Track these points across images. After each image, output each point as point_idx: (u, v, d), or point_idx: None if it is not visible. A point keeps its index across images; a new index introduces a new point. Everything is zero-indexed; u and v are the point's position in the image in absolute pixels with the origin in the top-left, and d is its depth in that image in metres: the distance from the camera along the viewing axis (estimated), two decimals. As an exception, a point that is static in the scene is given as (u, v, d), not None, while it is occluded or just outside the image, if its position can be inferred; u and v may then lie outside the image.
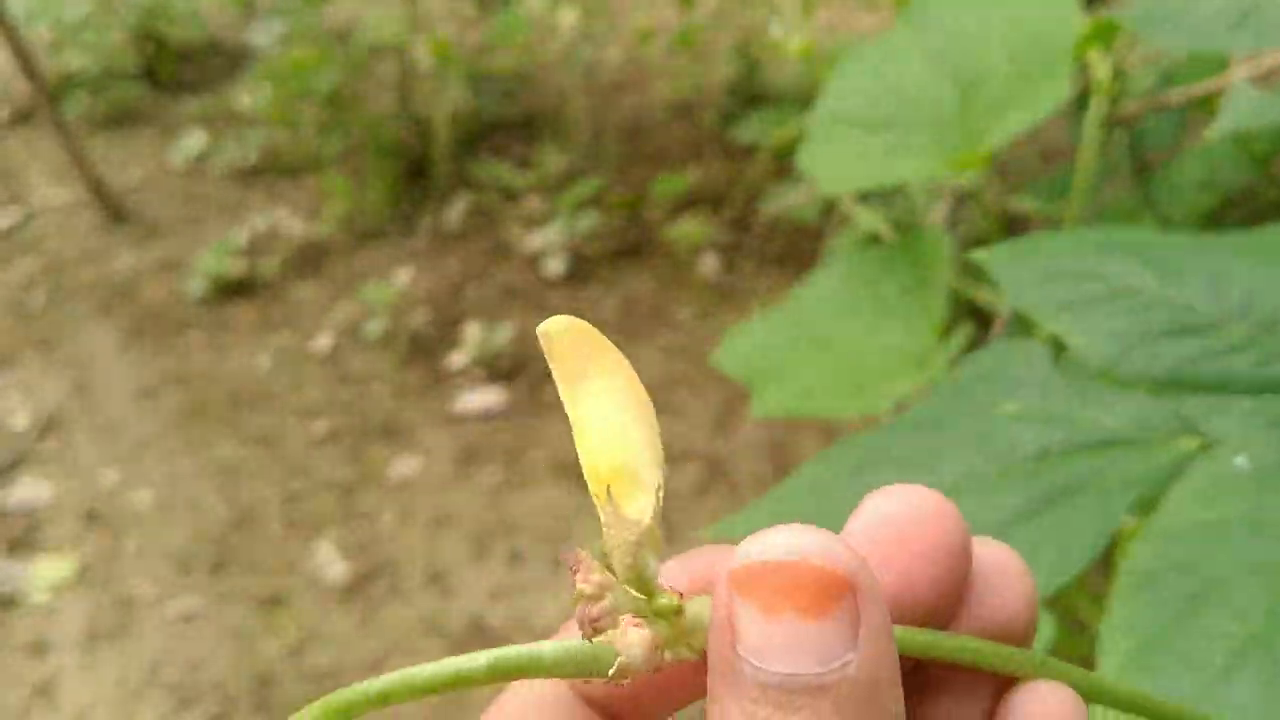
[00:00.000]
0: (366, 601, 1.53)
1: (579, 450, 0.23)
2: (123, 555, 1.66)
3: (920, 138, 0.84)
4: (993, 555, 0.24)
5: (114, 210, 2.37)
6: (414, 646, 1.46)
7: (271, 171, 2.47)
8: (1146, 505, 0.41)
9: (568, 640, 0.22)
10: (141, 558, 1.65)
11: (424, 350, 1.95)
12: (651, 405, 0.24)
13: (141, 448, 1.84)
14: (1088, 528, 0.41)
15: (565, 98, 2.47)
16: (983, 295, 0.97)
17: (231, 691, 1.45)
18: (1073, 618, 0.70)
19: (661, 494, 0.23)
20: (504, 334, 1.89)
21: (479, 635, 1.46)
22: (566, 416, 0.24)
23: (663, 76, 2.60)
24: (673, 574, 0.24)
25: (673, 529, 1.57)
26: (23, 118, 2.86)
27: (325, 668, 1.45)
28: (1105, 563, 0.73)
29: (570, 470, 1.67)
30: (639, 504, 0.22)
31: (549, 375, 0.24)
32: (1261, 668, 0.35)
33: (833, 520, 0.21)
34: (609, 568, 0.22)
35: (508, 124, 2.50)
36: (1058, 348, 0.47)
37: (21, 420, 1.94)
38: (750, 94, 2.30)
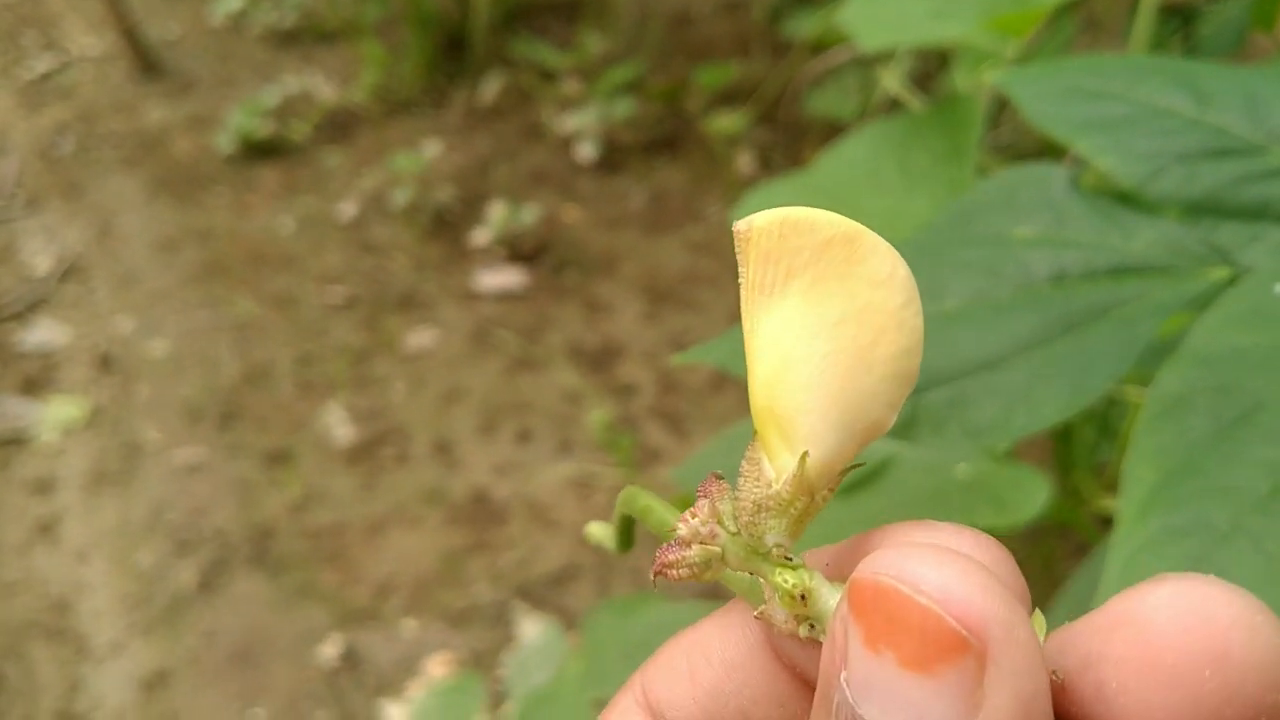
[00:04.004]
0: (371, 465, 1.53)
1: (749, 371, 0.20)
2: (134, 401, 1.66)
3: (968, 2, 0.80)
4: None
5: (148, 63, 2.35)
6: (414, 512, 1.46)
7: (308, 35, 2.43)
8: (1171, 339, 0.38)
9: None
10: (152, 405, 1.65)
11: (448, 225, 1.92)
12: (902, 348, 0.18)
13: (159, 298, 1.83)
14: (1107, 356, 0.38)
15: (612, -19, 2.41)
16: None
17: (231, 541, 1.45)
18: (1072, 494, 0.67)
19: (818, 465, 0.19)
20: (529, 215, 1.86)
21: (480, 507, 1.46)
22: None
23: (714, -33, 2.53)
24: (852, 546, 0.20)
25: (681, 422, 1.55)
26: (64, -34, 2.82)
27: (325, 525, 1.45)
28: (1108, 434, 0.71)
29: (584, 356, 1.65)
30: (780, 461, 0.19)
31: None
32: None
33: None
34: (725, 517, 0.20)
35: (551, 2, 2.44)
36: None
37: (44, 263, 1.93)
38: (803, -10, 2.22)
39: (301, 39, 2.44)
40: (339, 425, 1.59)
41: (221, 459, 1.56)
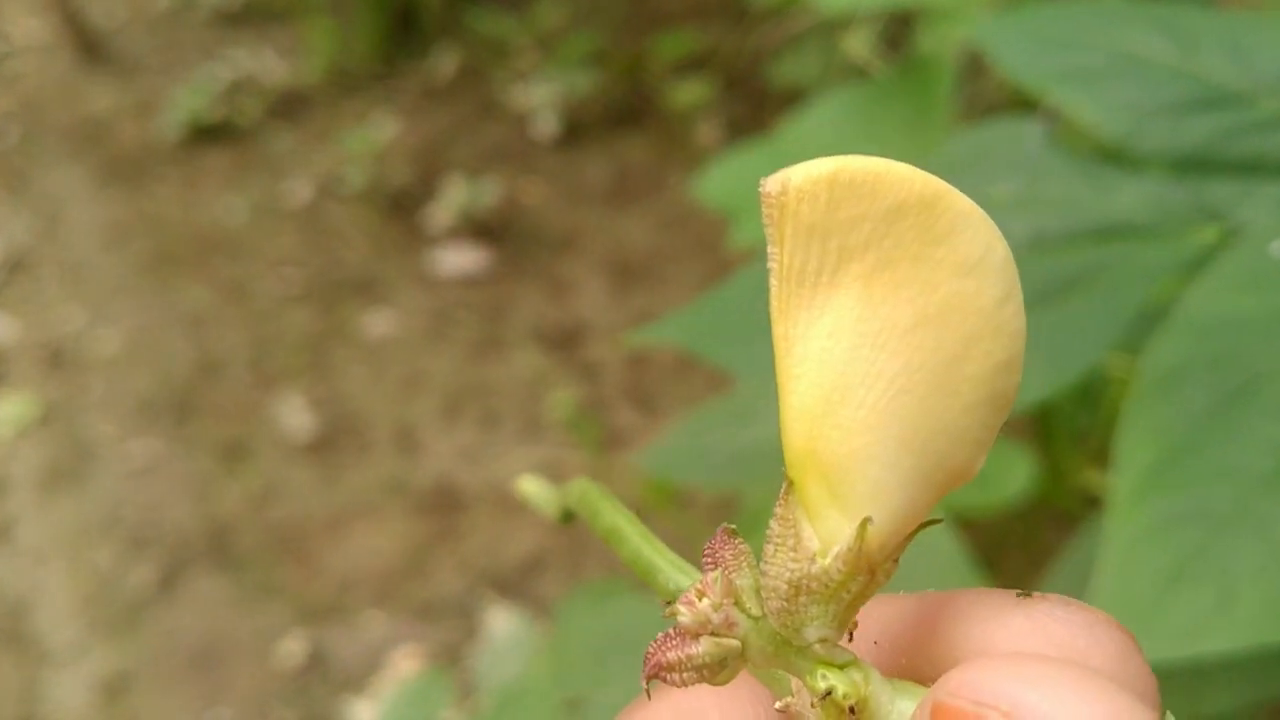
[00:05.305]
0: (331, 456, 1.49)
1: (780, 396, 0.14)
2: (87, 398, 1.61)
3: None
4: None
5: (92, 48, 2.28)
6: (377, 504, 1.42)
7: (257, 15, 2.36)
8: (1160, 305, 0.35)
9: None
10: (105, 401, 1.61)
11: (405, 206, 1.88)
12: (999, 362, 0.14)
13: (110, 291, 1.78)
14: (1091, 327, 0.35)
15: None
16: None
17: (189, 538, 1.41)
18: (1054, 468, 0.65)
19: (883, 533, 0.14)
20: (489, 195, 1.82)
21: (445, 495, 1.42)
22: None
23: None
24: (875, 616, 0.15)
25: (650, 401, 1.52)
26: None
27: (285, 519, 1.42)
28: (1089, 403, 0.68)
29: (549, 336, 1.61)
30: (827, 526, 0.14)
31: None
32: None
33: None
34: (746, 595, 0.15)
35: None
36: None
37: (-11, 258, 1.88)
38: (764, -45, 2.18)
39: (250, 19, 2.38)
40: (297, 415, 1.54)
41: (178, 454, 1.52)
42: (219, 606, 1.34)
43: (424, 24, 2.19)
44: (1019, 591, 0.14)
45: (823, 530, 0.14)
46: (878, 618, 0.15)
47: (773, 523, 0.14)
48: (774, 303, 0.14)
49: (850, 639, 0.15)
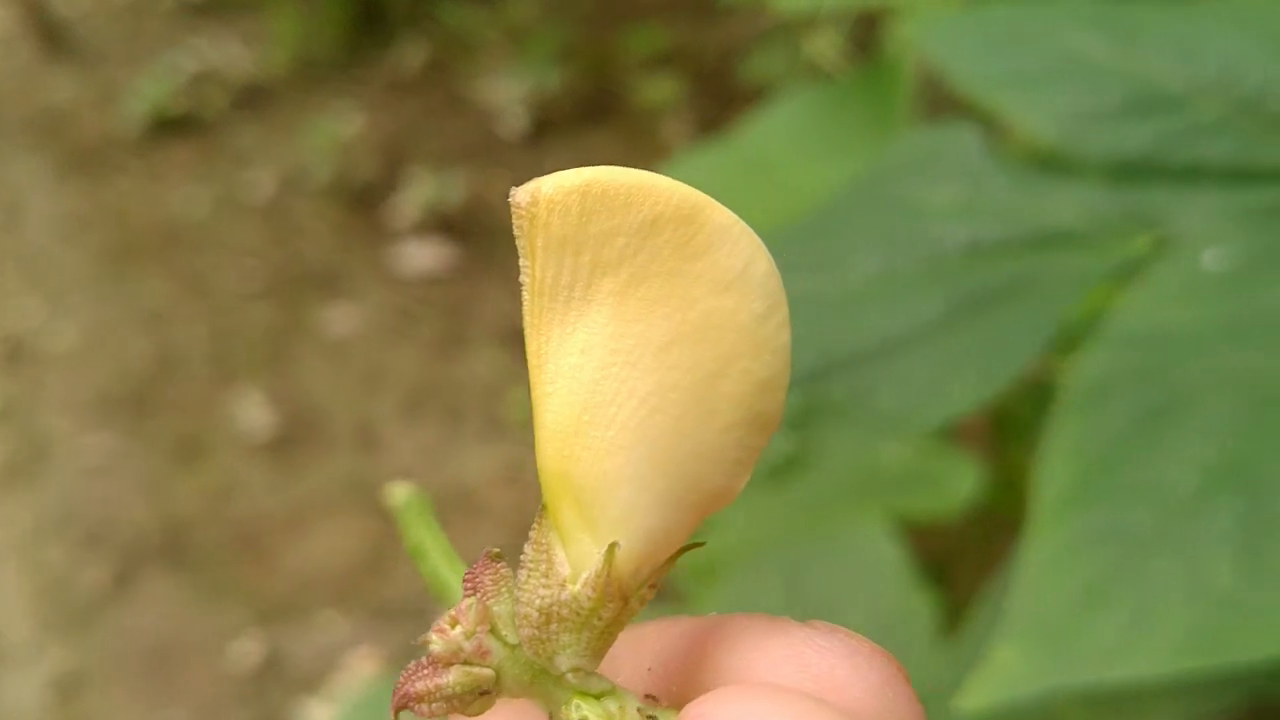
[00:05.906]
0: (291, 453, 1.48)
1: (534, 415, 0.14)
2: (44, 392, 1.59)
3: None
4: None
5: (53, 38, 2.25)
6: (337, 501, 1.41)
7: (222, 6, 2.34)
8: (1089, 316, 0.35)
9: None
10: (63, 396, 1.59)
11: (370, 201, 1.86)
12: (759, 380, 0.13)
13: (69, 284, 1.76)
14: (1019, 337, 0.34)
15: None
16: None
17: (145, 536, 1.40)
18: (1004, 475, 0.64)
19: (634, 558, 0.13)
20: (454, 190, 1.80)
21: (406, 494, 1.41)
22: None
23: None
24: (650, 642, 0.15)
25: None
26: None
27: (243, 517, 1.40)
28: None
29: (514, 334, 1.60)
30: (579, 550, 0.13)
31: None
32: (1238, 498, 0.28)
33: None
34: (502, 623, 0.14)
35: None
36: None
37: (-55, 250, 1.85)
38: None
39: (215, 8, 2.35)
40: (256, 412, 1.53)
41: (134, 450, 1.50)
42: (174, 606, 1.33)
43: (390, 15, 2.17)
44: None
45: (574, 555, 0.14)
46: (653, 643, 0.15)
47: (527, 547, 0.14)
48: (526, 318, 0.14)
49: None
